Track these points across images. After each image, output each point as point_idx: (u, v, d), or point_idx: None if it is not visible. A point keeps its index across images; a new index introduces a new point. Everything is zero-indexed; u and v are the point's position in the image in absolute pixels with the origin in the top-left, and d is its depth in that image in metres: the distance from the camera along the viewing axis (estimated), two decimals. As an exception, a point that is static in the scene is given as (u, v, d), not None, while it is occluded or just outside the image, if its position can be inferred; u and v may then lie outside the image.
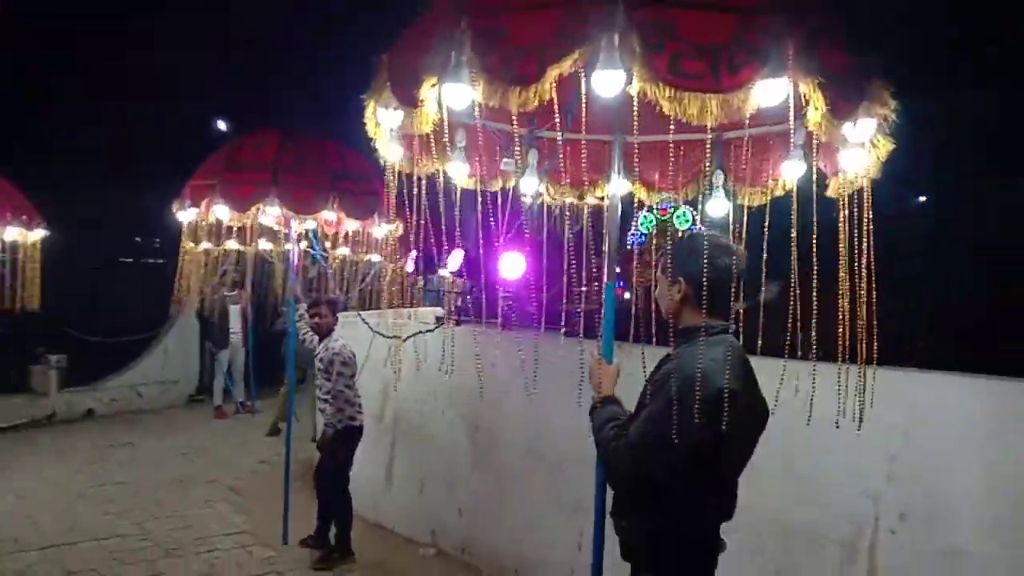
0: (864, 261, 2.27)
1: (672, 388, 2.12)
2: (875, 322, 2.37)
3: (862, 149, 2.06)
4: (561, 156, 3.24)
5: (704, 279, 2.19)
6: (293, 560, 5.01)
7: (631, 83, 1.77)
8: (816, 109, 1.82)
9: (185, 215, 4.95)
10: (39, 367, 9.79)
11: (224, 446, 8.28)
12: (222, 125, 24.30)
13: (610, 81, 1.76)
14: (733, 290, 2.27)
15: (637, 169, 3.29)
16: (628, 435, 2.28)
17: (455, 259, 8.38)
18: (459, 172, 3.18)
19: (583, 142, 2.98)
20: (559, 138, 2.47)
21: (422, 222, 3.06)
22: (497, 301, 8.86)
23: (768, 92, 1.78)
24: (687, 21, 1.73)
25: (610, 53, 1.71)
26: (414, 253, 8.30)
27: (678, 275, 2.33)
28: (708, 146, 2.85)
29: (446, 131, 2.59)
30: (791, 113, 1.88)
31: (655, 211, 7.50)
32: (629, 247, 6.61)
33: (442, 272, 8.34)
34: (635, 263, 4.61)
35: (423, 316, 6.22)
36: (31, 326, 9.03)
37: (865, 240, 2.27)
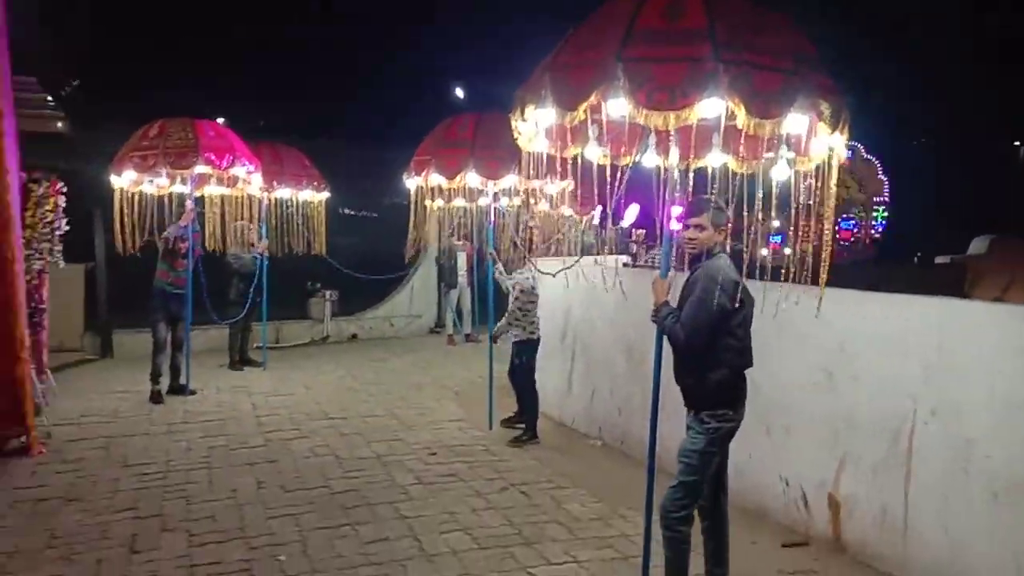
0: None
1: (702, 282, 3.46)
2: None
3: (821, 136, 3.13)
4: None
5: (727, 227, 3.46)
6: (494, 439, 6.69)
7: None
8: (739, 115, 2.95)
9: (411, 182, 6.70)
10: (316, 299, 12.47)
11: (452, 364, 10.29)
12: (459, 92, 26.90)
13: (617, 106, 3.03)
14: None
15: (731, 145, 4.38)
16: (680, 318, 3.61)
17: (632, 212, 9.68)
18: (594, 153, 4.46)
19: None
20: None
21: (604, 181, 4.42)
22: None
23: (709, 107, 2.96)
24: (658, 70, 2.94)
25: (615, 90, 2.97)
26: (599, 208, 9.72)
27: (720, 226, 3.58)
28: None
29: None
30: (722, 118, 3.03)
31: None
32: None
33: (623, 224, 9.56)
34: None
35: (608, 262, 7.52)
36: (311, 266, 11.66)
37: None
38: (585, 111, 3.11)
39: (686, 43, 2.97)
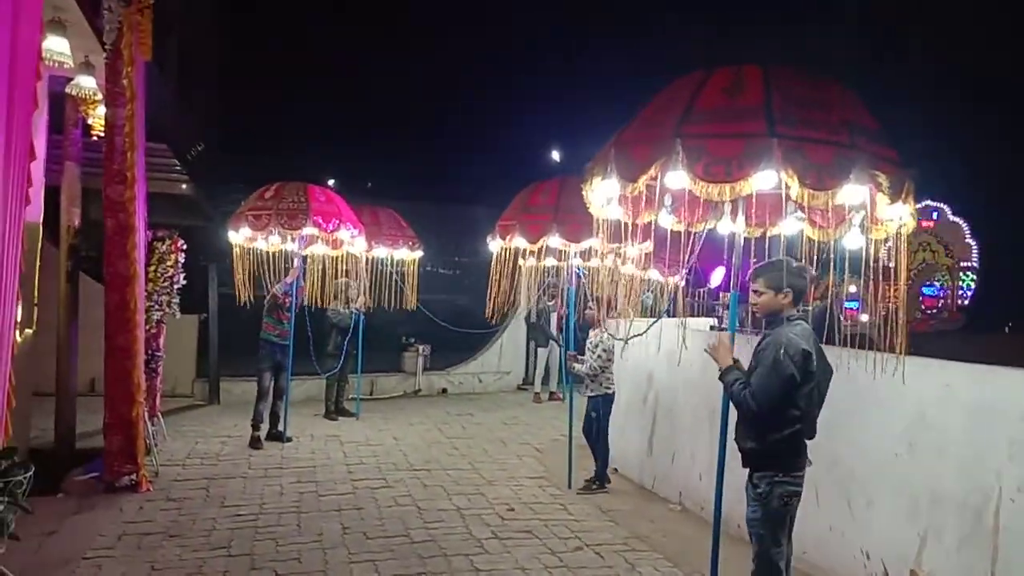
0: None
1: (770, 351, 3.49)
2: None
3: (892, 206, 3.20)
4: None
5: (802, 288, 3.52)
6: (572, 498, 6.74)
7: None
8: (793, 187, 3.05)
9: (495, 245, 6.99)
10: (409, 354, 12.89)
11: (537, 421, 10.39)
12: (556, 156, 27.55)
13: (675, 178, 3.19)
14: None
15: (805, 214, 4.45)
16: (750, 385, 3.64)
17: (718, 275, 9.67)
18: (667, 220, 4.62)
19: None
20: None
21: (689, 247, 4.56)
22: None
23: (765, 179, 3.08)
24: (714, 145, 3.10)
25: (674, 164, 3.14)
26: (685, 270, 9.71)
27: (784, 287, 3.61)
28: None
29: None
30: (782, 191, 3.13)
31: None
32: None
33: (710, 286, 9.54)
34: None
35: (694, 324, 7.56)
36: (405, 322, 12.13)
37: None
38: (646, 183, 3.30)
39: (742, 119, 3.15)
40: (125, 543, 5.28)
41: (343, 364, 9.95)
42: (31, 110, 3.14)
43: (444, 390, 12.88)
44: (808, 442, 3.75)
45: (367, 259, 9.95)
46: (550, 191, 6.63)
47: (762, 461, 3.67)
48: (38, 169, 6.53)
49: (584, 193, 3.85)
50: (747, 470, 3.80)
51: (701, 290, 9.17)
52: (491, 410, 11.25)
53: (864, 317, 4.15)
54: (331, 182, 28.49)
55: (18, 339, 6.22)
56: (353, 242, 8.70)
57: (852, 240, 4.16)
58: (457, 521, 5.98)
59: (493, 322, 8.16)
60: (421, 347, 12.78)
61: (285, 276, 8.56)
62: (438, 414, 10.74)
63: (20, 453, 6.00)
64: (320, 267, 9.61)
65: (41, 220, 6.75)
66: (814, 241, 4.50)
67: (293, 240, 8.54)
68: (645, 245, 6.27)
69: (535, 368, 12.78)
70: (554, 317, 12.42)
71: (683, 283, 9.33)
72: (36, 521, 5.47)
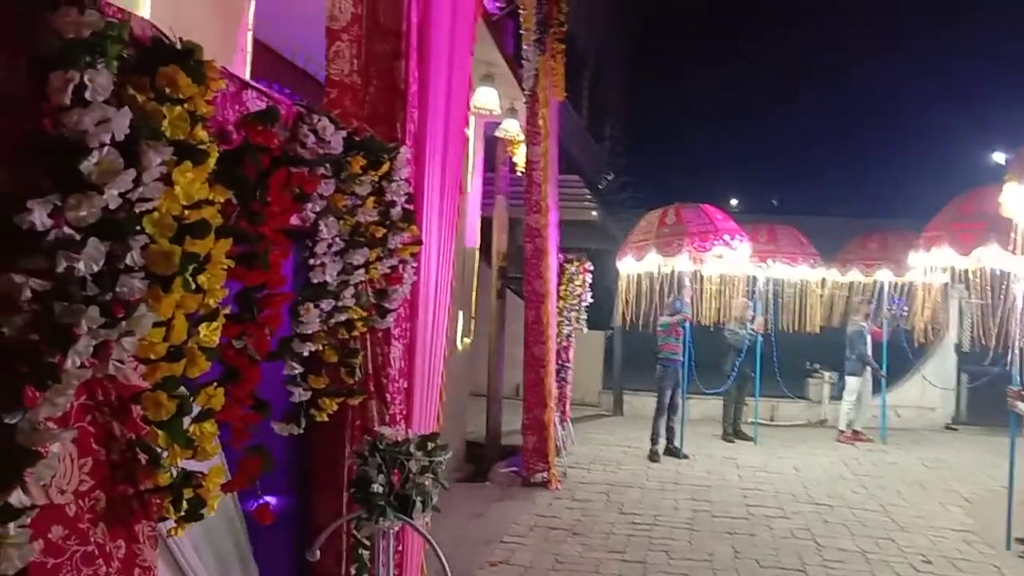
0: None
1: None
2: None
3: None
4: None
5: None
6: (1011, 560, 5.69)
7: None
8: None
9: (917, 259, 6.27)
10: (815, 380, 12.12)
11: (966, 466, 8.94)
12: (999, 157, 23.87)
13: None
14: None
15: None
16: None
17: None
18: None
19: None
20: None
21: None
22: None
23: None
24: None
25: None
26: None
27: None
28: None
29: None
30: None
31: None
32: None
33: None
34: None
35: None
36: (812, 345, 11.47)
37: None
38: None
39: None
40: (535, 534, 5.88)
41: (740, 385, 9.79)
42: (461, 153, 3.74)
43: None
44: None
45: (765, 279, 9.69)
46: (986, 198, 5.76)
47: None
48: (475, 202, 7.74)
49: (1000, 198, 3.30)
50: None
51: None
52: (909, 448, 10.02)
53: None
54: (733, 202, 28.40)
55: (459, 347, 7.42)
56: (736, 253, 8.45)
57: None
58: (860, 564, 5.48)
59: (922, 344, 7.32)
60: (827, 374, 11.92)
61: (680, 294, 8.77)
62: (845, 447, 9.92)
63: (457, 445, 7.10)
64: (717, 287, 9.63)
65: (478, 246, 7.97)
66: None
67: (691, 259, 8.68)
68: None
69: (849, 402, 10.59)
70: (869, 338, 10.23)
71: None
72: (467, 504, 6.40)
